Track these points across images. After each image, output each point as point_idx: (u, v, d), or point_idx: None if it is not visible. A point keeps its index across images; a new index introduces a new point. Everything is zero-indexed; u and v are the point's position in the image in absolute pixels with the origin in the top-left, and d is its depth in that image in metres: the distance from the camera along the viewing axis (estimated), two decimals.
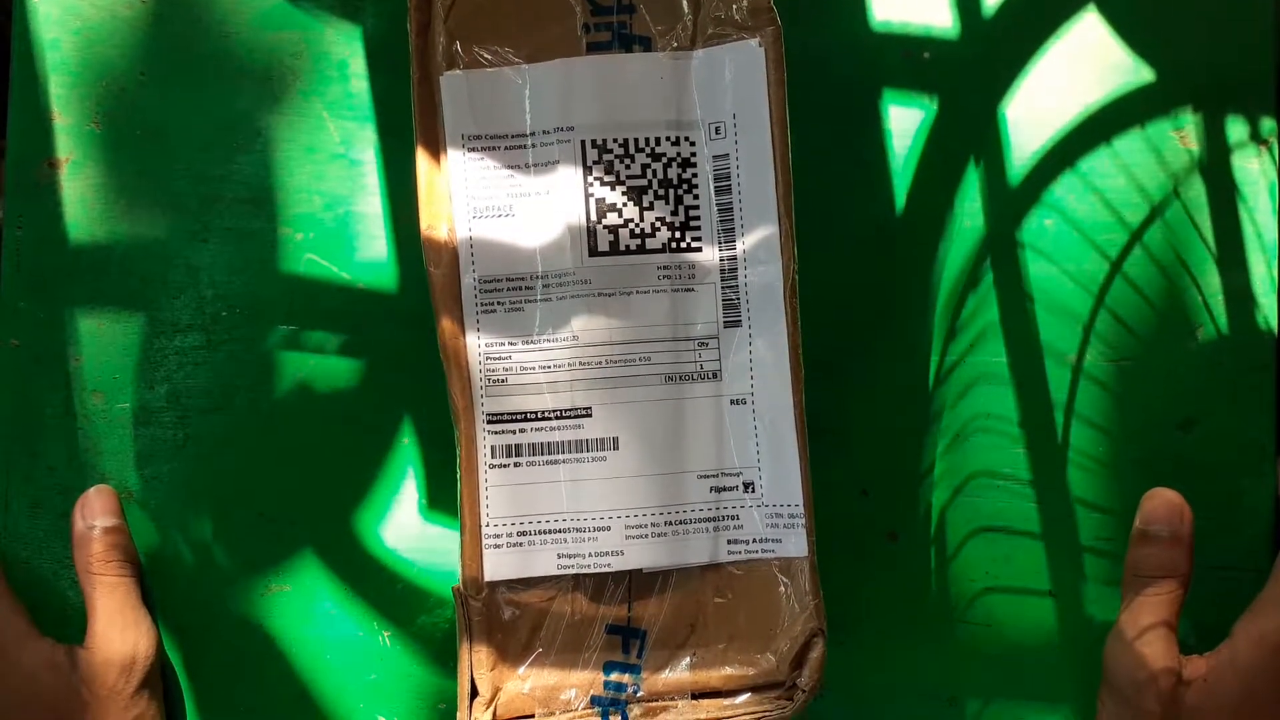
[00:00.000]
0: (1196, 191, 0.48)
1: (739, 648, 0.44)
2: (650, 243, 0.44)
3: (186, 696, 0.47)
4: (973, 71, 0.49)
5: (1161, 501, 0.46)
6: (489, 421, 0.44)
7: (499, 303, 0.44)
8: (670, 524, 0.44)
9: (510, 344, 0.44)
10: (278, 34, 0.48)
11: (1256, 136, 0.49)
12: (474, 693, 0.43)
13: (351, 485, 0.48)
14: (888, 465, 0.48)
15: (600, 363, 0.44)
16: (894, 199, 0.49)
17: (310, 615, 0.48)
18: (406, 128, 0.44)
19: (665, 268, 0.44)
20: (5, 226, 0.48)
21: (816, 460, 0.44)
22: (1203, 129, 0.49)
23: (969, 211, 0.49)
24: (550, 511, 0.44)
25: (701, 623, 0.44)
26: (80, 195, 0.48)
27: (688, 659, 0.44)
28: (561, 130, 0.44)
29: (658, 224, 0.44)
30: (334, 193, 0.48)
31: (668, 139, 0.44)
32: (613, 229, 0.44)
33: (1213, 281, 0.48)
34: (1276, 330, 0.48)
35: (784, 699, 0.43)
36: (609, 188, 0.44)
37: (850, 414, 0.48)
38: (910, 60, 0.49)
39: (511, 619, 0.44)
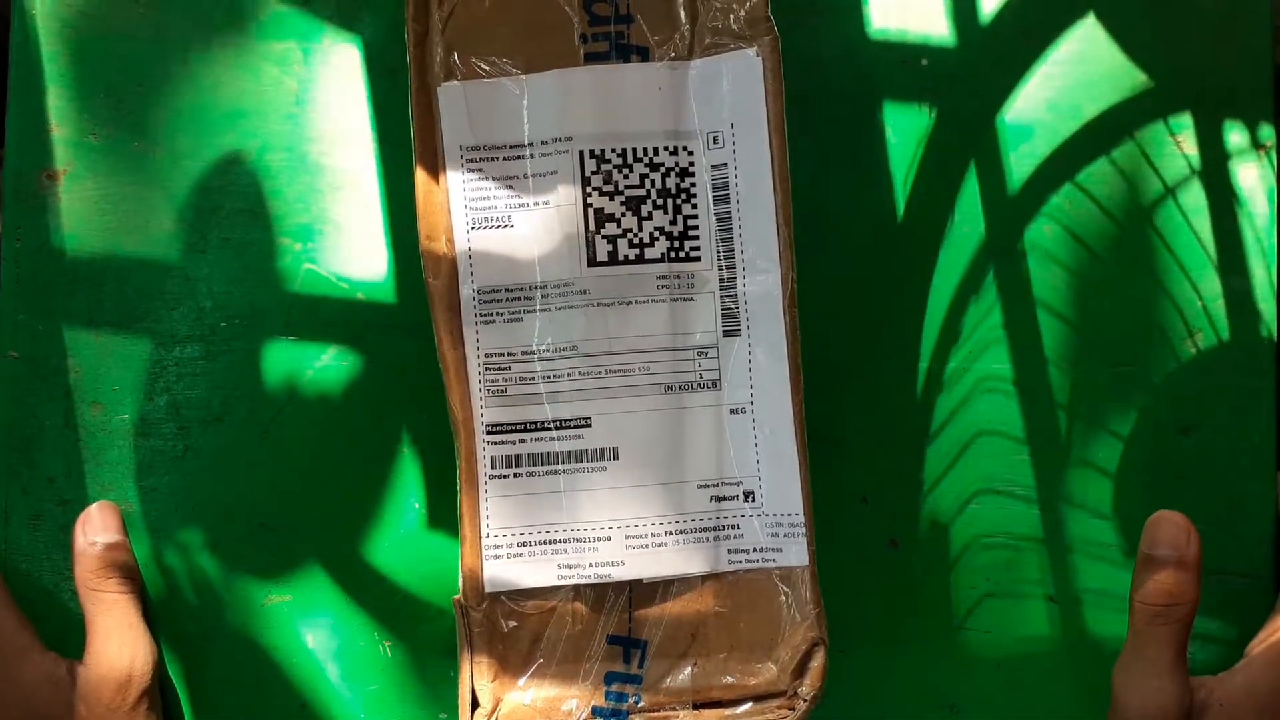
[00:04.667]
0: (1195, 197, 0.48)
1: (740, 657, 0.44)
2: (649, 252, 0.44)
3: (186, 707, 0.47)
4: (971, 78, 0.49)
5: (1167, 525, 0.44)
6: (488, 432, 0.44)
7: (498, 313, 0.44)
8: (670, 534, 0.43)
9: (510, 354, 0.44)
10: (276, 44, 0.48)
11: (1255, 142, 0.48)
12: (475, 704, 0.43)
13: (351, 495, 0.48)
14: (888, 473, 0.48)
15: (599, 373, 0.44)
16: (893, 206, 0.49)
17: (310, 625, 0.47)
18: (405, 138, 0.44)
19: (664, 277, 0.44)
20: (3, 238, 0.47)
21: (816, 468, 0.44)
22: (1201, 135, 0.48)
23: (968, 219, 0.48)
24: (550, 522, 0.43)
25: (702, 632, 0.44)
26: (78, 207, 0.47)
27: (689, 669, 0.44)
28: (560, 140, 0.44)
29: (656, 234, 0.44)
30: (332, 203, 0.48)
31: (666, 149, 0.44)
32: (611, 239, 0.44)
33: (1212, 287, 0.48)
34: (1276, 336, 0.48)
35: (785, 708, 0.43)
36: (607, 198, 0.44)
37: (850, 422, 0.48)
38: (908, 68, 0.49)
39: (512, 630, 0.44)
